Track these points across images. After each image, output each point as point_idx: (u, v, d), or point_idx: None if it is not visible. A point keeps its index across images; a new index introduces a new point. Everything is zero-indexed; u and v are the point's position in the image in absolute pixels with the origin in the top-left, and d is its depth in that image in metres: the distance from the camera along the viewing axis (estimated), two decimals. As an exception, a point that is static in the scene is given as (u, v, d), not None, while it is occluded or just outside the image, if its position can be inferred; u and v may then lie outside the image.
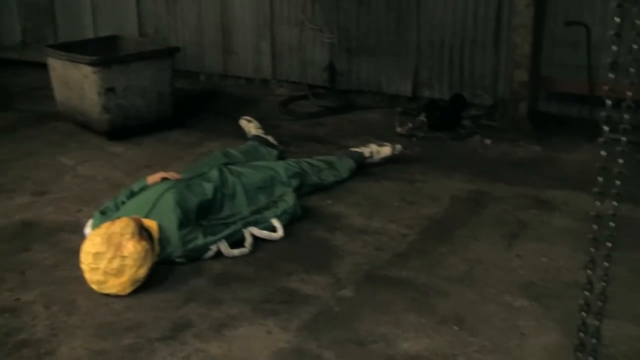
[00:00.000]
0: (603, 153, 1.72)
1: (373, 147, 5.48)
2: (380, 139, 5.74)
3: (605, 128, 1.71)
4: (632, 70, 1.82)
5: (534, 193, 4.95)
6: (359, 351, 3.21)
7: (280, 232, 4.30)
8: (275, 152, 5.53)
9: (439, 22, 6.90)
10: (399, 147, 5.58)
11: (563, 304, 3.53)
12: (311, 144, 6.07)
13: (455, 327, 3.37)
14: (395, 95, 7.30)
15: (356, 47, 7.39)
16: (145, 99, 6.42)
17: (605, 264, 1.91)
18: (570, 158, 5.66)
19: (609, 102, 1.71)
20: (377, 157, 5.45)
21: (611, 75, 1.70)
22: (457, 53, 6.87)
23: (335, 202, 4.87)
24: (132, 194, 4.41)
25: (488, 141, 6.02)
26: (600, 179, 1.73)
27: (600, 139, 1.71)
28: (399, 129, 6.29)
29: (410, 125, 6.33)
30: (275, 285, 3.80)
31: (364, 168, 5.38)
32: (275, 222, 4.34)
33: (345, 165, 5.24)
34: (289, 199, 4.56)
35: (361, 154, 5.41)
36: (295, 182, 4.81)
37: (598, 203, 1.71)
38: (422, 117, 6.37)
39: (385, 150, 5.49)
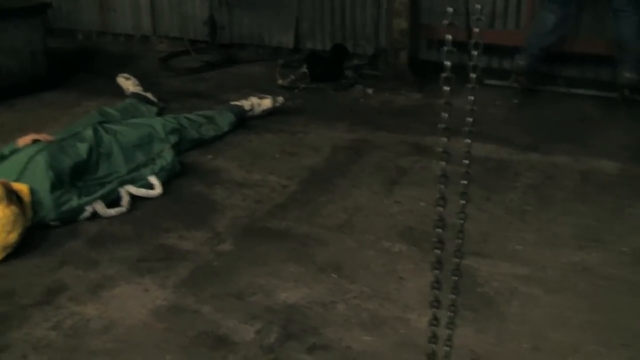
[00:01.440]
0: (446, 88, 1.69)
1: (254, 100, 5.41)
2: (263, 92, 5.67)
3: (447, 63, 1.68)
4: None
5: (414, 140, 4.99)
6: (237, 304, 3.17)
7: (158, 190, 4.21)
8: (154, 109, 5.39)
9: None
10: (280, 99, 5.55)
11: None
12: (192, 100, 5.95)
13: (334, 275, 3.37)
14: (277, 47, 7.23)
15: (237, 1, 7.24)
16: (16, 59, 6.13)
17: (462, 201, 1.91)
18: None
19: (448, 36, 1.69)
20: (258, 110, 5.39)
21: (449, 9, 1.68)
22: (338, 4, 6.82)
23: (215, 157, 4.79)
24: (2, 158, 4.22)
25: (370, 90, 6.04)
26: (445, 115, 1.71)
27: (442, 75, 1.70)
28: (280, 81, 6.24)
29: (292, 77, 6.30)
30: (153, 243, 3.71)
31: (245, 121, 5.31)
32: (153, 180, 4.24)
33: (225, 119, 5.15)
34: (167, 156, 4.46)
35: (242, 107, 5.33)
36: (173, 138, 4.70)
37: (444, 139, 1.69)
38: (304, 69, 6.33)
39: (266, 103, 5.43)
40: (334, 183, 4.35)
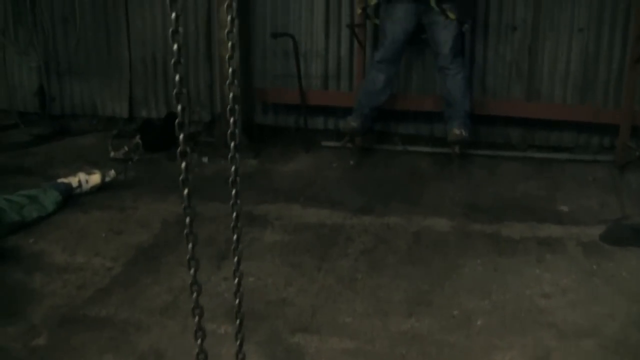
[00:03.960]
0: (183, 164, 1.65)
1: (82, 176, 5.17)
2: (94, 165, 5.47)
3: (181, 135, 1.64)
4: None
5: (247, 209, 4.88)
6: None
7: (-31, 281, 3.91)
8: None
9: (150, 38, 6.71)
10: (111, 173, 5.36)
11: (267, 324, 3.47)
12: (17, 177, 5.60)
13: (155, 364, 3.20)
14: (111, 117, 7.03)
15: (66, 68, 7.00)
16: None
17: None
18: (286, 169, 5.71)
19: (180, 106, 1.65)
20: (86, 187, 5.16)
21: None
22: (172, 69, 6.68)
23: (38, 240, 4.51)
24: None
25: (205, 159, 5.93)
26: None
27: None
28: (112, 153, 6.03)
29: (125, 148, 6.10)
30: (-41, 343, 3.42)
31: (73, 198, 5.07)
32: (-36, 270, 3.95)
33: (50, 199, 4.88)
34: (-18, 243, 4.17)
35: (69, 184, 5.09)
36: (-10, 224, 4.41)
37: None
38: (137, 139, 6.15)
39: (95, 179, 5.21)
40: (161, 261, 4.17)
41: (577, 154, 6.04)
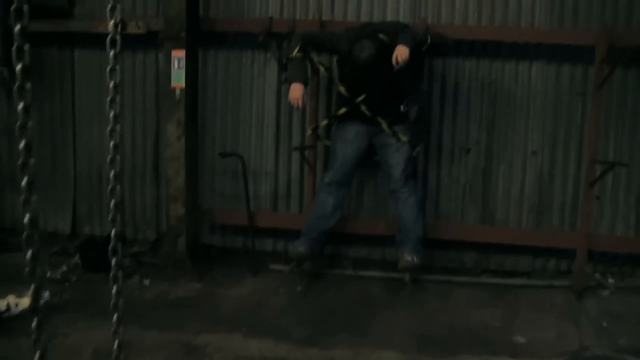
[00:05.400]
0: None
1: (11, 299, 4.90)
2: (28, 286, 5.13)
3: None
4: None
5: (187, 339, 4.62)
6: None
7: None
8: None
9: (96, 152, 6.49)
10: (46, 295, 5.04)
11: None
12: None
13: None
14: (53, 232, 6.72)
15: (8, 181, 6.73)
16: None
17: None
18: (231, 294, 5.46)
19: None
20: (15, 311, 4.86)
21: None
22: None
23: (-45, 372, 4.18)
24: None
25: (147, 281, 5.67)
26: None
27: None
28: (49, 273, 5.74)
29: (64, 267, 5.83)
30: None
31: (0, 323, 4.74)
32: None
33: (-27, 324, 4.58)
34: None
35: (-4, 308, 4.79)
36: None
37: None
38: (77, 259, 5.88)
39: (26, 302, 4.90)
40: (85, 400, 3.86)
41: (533, 279, 5.88)
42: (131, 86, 6.33)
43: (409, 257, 5.30)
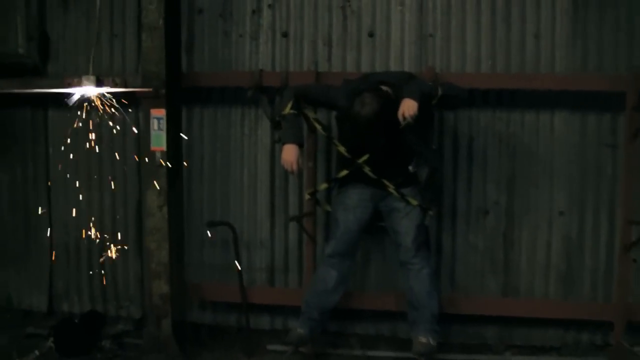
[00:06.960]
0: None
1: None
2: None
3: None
4: None
5: None
6: None
7: None
8: None
9: (74, 223, 5.87)
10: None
11: None
12: None
13: None
14: (28, 311, 6.11)
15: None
16: None
17: None
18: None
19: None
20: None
21: None
22: (97, 258, 5.87)
23: None
24: None
25: (128, 367, 5.02)
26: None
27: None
28: (17, 362, 5.11)
29: (36, 352, 5.21)
30: None
31: None
32: None
33: None
34: None
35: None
36: None
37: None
38: (50, 342, 5.27)
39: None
40: None
41: (564, 354, 5.24)
42: (110, 149, 5.74)
43: (423, 339, 4.66)
